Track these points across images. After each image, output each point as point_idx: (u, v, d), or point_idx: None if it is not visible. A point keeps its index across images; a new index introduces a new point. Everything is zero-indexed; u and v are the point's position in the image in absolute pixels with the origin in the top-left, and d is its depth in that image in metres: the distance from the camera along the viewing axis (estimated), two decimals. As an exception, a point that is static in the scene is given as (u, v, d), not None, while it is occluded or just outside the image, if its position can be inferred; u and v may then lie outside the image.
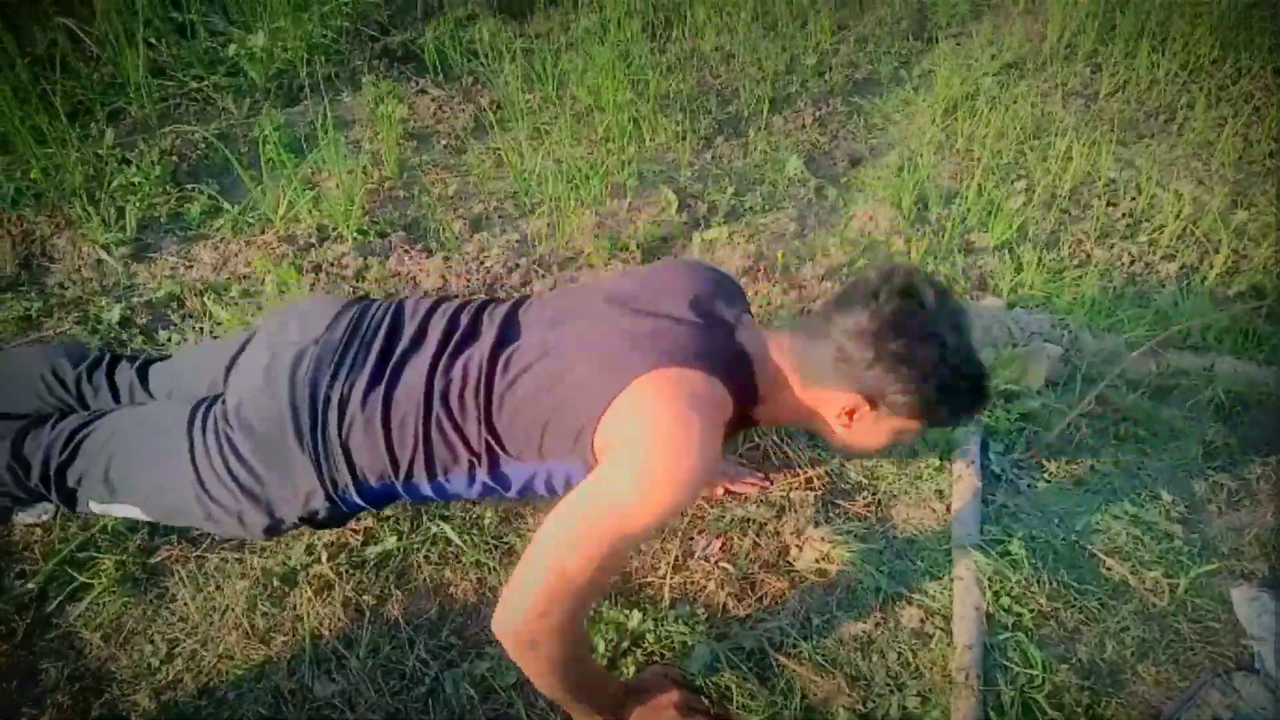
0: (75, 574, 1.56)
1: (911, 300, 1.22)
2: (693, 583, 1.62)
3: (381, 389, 1.29)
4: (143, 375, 1.53)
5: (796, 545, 1.69)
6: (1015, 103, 3.03)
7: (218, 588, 1.58)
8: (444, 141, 2.80)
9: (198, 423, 1.33)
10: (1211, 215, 2.59)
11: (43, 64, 2.64)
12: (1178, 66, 3.28)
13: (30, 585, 1.55)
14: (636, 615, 1.54)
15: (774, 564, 1.66)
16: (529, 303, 1.42)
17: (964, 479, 1.77)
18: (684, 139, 2.88)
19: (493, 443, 1.28)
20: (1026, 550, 1.64)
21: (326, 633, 1.52)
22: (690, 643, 1.51)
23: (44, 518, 1.63)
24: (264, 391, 1.30)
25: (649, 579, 1.62)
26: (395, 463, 1.28)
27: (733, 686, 1.46)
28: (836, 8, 3.71)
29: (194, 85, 2.81)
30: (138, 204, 2.35)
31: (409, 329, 1.37)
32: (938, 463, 1.83)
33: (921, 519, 1.75)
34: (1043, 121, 3.03)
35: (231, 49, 2.89)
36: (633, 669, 1.49)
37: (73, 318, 2.05)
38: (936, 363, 1.22)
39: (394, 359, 1.32)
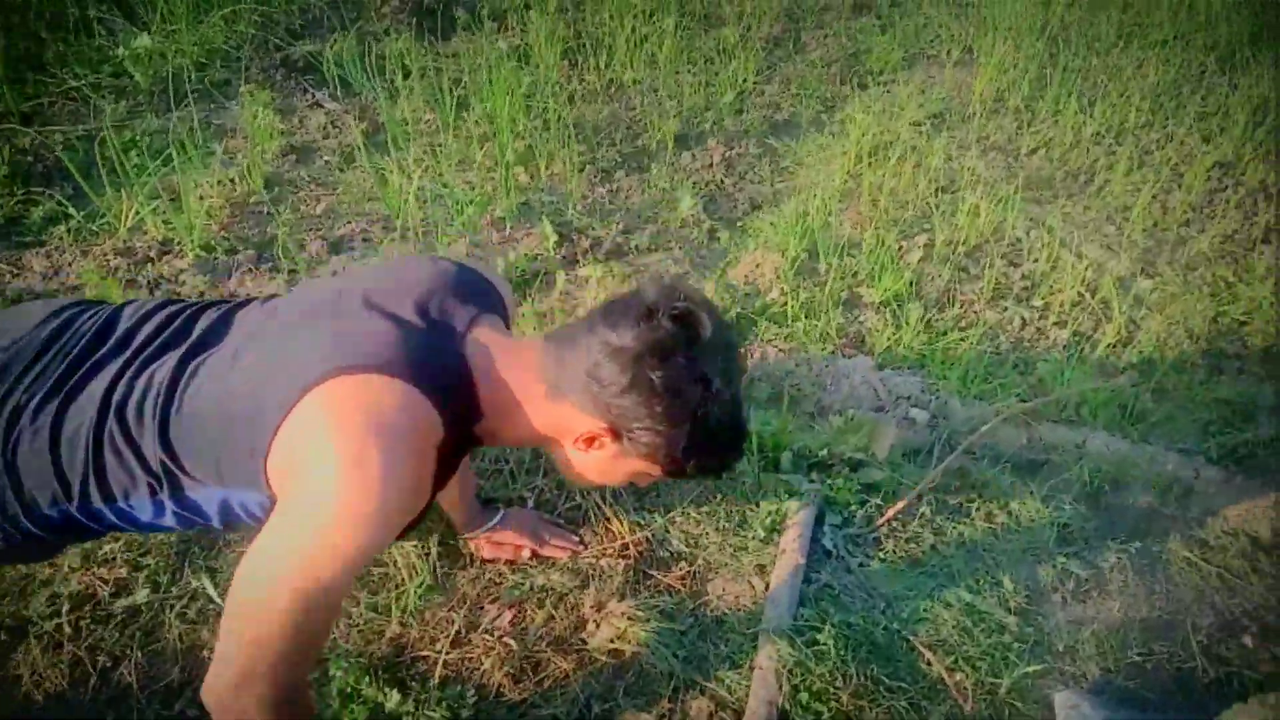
0: None
1: (687, 329, 1.09)
2: (471, 659, 1.48)
3: (58, 400, 1.13)
4: None
5: (595, 620, 1.55)
6: (931, 154, 2.94)
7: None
8: (326, 158, 2.68)
9: None
10: (1110, 281, 2.49)
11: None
12: (1104, 128, 3.20)
13: None
14: (396, 696, 1.40)
15: (566, 640, 1.52)
16: (255, 302, 1.27)
17: (787, 554, 1.64)
18: (581, 171, 2.77)
19: (169, 464, 1.11)
20: (839, 639, 1.51)
21: (41, 697, 1.37)
22: (449, 729, 1.37)
23: None
24: None
25: (424, 652, 1.48)
26: (66, 484, 1.11)
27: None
28: (771, 47, 3.63)
29: (72, 84, 2.69)
30: (-28, 205, 2.22)
31: (117, 334, 1.21)
32: (764, 534, 1.70)
33: (738, 596, 1.62)
34: (956, 175, 2.94)
35: (121, 50, 2.77)
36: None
37: None
38: (695, 407, 1.09)
39: (84, 367, 1.16)
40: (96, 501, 1.13)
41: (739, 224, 2.69)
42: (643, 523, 1.71)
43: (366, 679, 1.41)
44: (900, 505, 1.75)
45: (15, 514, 1.12)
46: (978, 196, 2.75)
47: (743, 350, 1.25)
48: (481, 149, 2.70)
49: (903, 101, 3.28)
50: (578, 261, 2.43)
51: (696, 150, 3.00)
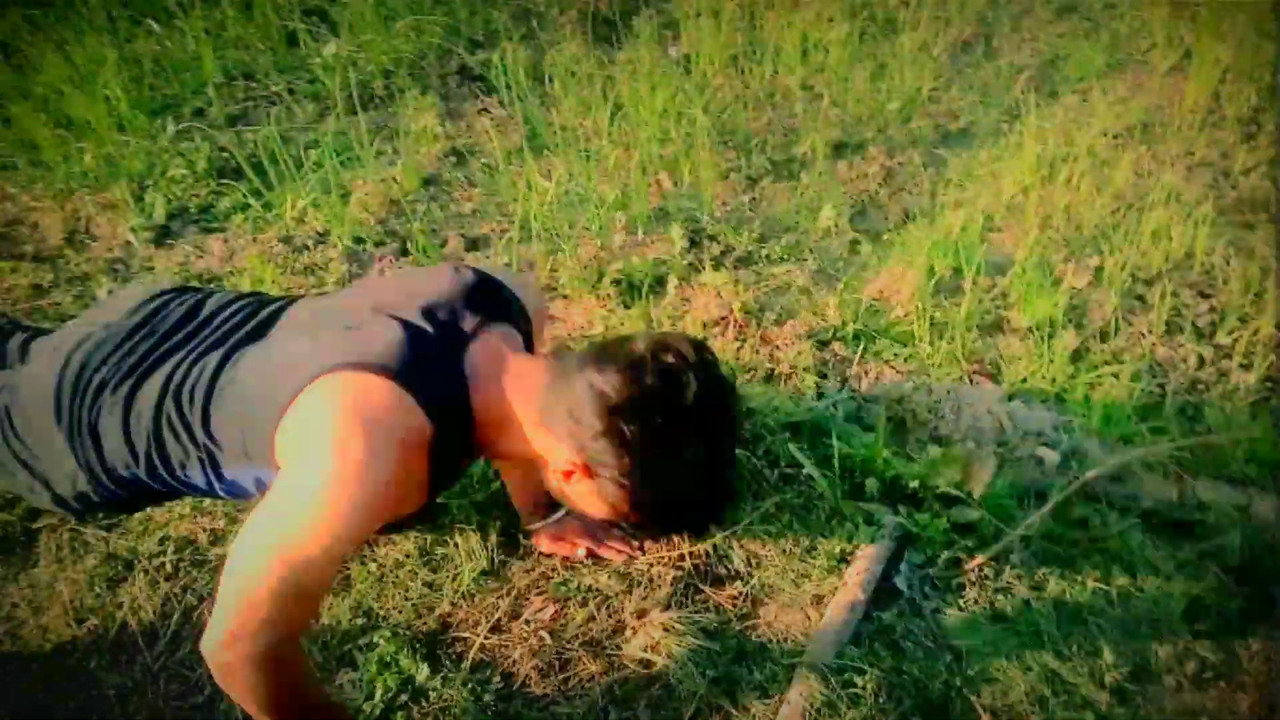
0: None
1: (670, 390, 1.08)
2: (506, 647, 1.50)
3: (133, 380, 1.27)
4: (25, 347, 1.61)
5: (634, 627, 1.52)
6: (1118, 169, 2.64)
7: (75, 561, 1.63)
8: (484, 160, 2.81)
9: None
10: (1319, 322, 2.12)
11: (137, 62, 2.92)
12: (1349, 142, 2.74)
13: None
14: (426, 670, 1.44)
15: (600, 643, 1.50)
16: (305, 299, 1.37)
17: (848, 587, 1.53)
18: (725, 177, 2.74)
19: (210, 444, 1.22)
20: (884, 686, 1.38)
21: (134, 625, 1.53)
22: (467, 710, 1.39)
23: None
24: (45, 369, 1.33)
25: (465, 634, 1.52)
26: (135, 453, 1.26)
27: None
28: (957, 52, 3.42)
29: (274, 89, 3.00)
30: (176, 194, 2.52)
31: (195, 321, 1.35)
32: (831, 564, 1.60)
33: (789, 625, 1.52)
34: (1145, 192, 2.62)
35: (317, 59, 3.06)
36: (399, 724, 1.39)
37: (73, 293, 2.22)
38: (664, 470, 1.09)
39: (160, 351, 1.30)
40: (160, 470, 1.26)
41: (884, 237, 2.55)
42: (708, 533, 1.66)
43: (406, 651, 1.47)
44: (995, 549, 1.58)
45: (99, 474, 1.29)
46: (1167, 215, 2.44)
47: (738, 417, 1.23)
48: (629, 154, 2.73)
49: (1097, 111, 2.98)
50: (701, 269, 2.40)
51: (854, 159, 2.88)
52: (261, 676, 1.08)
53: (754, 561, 1.63)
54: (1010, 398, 1.97)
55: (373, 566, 1.61)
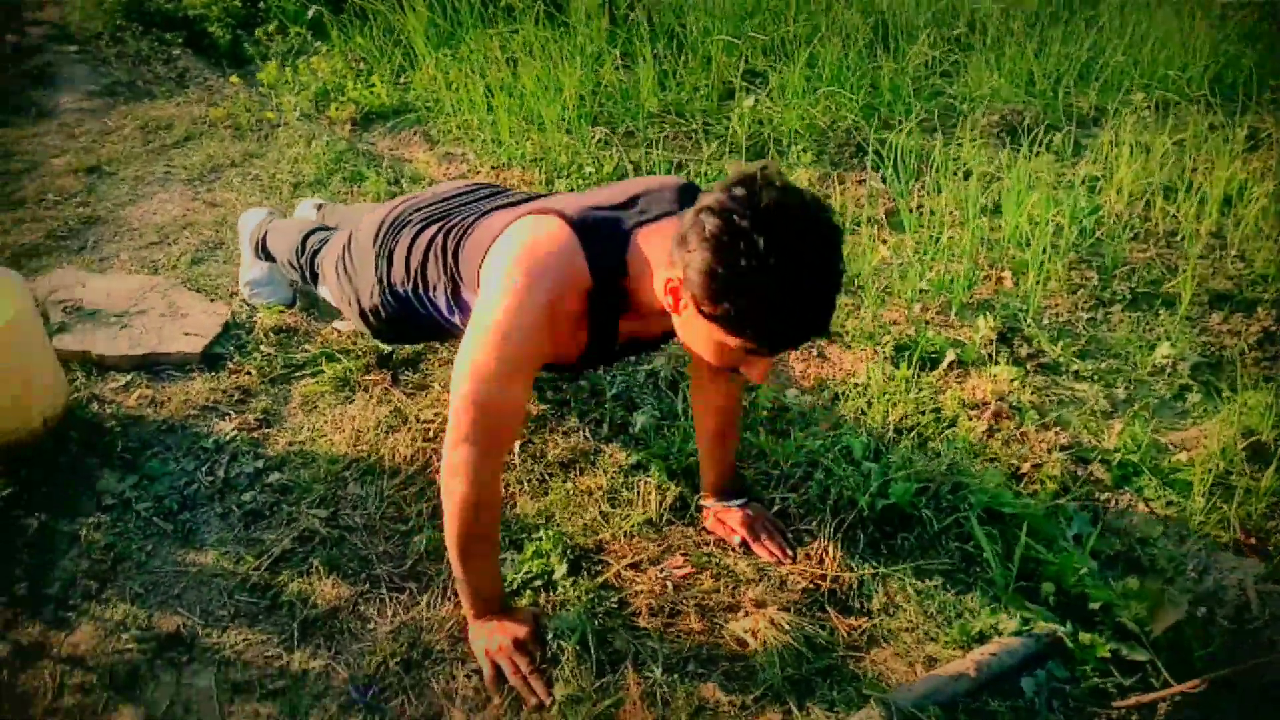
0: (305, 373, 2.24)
1: (750, 194, 1.14)
2: (634, 582, 1.68)
3: (425, 223, 1.68)
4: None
5: (748, 610, 1.61)
6: None
7: (376, 408, 2.11)
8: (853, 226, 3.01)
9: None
10: None
11: (598, 85, 3.59)
12: None
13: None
14: (565, 570, 1.67)
15: (711, 610, 1.61)
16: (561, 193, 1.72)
17: (962, 660, 1.46)
18: (1074, 292, 2.64)
19: (456, 272, 1.56)
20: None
21: (388, 460, 1.96)
22: (576, 611, 1.59)
23: (348, 327, 2.37)
24: (382, 211, 1.82)
25: (608, 559, 1.72)
26: (408, 271, 1.66)
27: (566, 664, 1.51)
28: None
29: (692, 125, 3.50)
30: (578, 188, 3.09)
31: (481, 197, 1.74)
32: (963, 639, 1.53)
33: (891, 671, 1.50)
34: None
35: (736, 108, 3.51)
36: (525, 602, 1.64)
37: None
38: (739, 266, 1.12)
39: (449, 209, 1.70)
40: (420, 289, 1.66)
41: (1224, 394, 2.27)
42: (853, 566, 1.69)
43: (558, 551, 1.71)
44: (1148, 698, 1.40)
45: (385, 288, 1.73)
46: None
47: (832, 241, 1.16)
48: (985, 252, 2.75)
49: None
50: (997, 363, 2.35)
51: (1235, 315, 2.59)
52: (468, 488, 1.37)
53: (890, 608, 1.62)
54: (1272, 576, 1.69)
55: (570, 487, 1.89)
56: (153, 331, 2.26)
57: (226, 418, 2.06)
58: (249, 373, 2.19)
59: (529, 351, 1.35)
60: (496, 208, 1.64)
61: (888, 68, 3.78)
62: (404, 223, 1.74)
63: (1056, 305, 2.60)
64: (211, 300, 2.43)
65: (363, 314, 1.83)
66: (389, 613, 1.63)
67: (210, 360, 2.23)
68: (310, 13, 4.22)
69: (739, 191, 1.15)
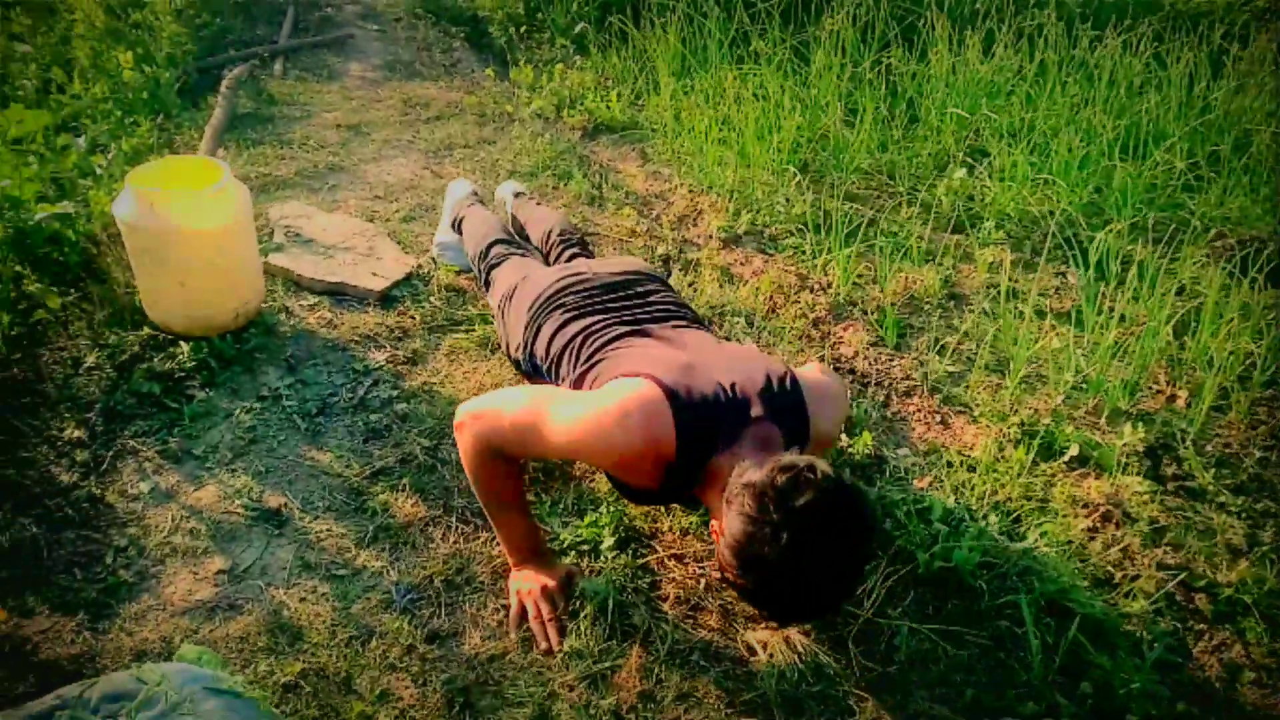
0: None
1: (791, 489, 1.26)
2: (672, 570, 1.74)
3: (575, 314, 1.86)
4: (562, 255, 2.40)
5: (769, 627, 1.62)
6: None
7: (509, 366, 2.31)
8: (972, 306, 2.91)
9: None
10: None
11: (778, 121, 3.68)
12: None
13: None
14: (611, 543, 1.77)
15: (733, 615, 1.65)
16: (696, 330, 1.83)
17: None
18: (1250, 413, 2.41)
19: (580, 381, 1.71)
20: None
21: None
22: (608, 579, 1.68)
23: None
24: (551, 278, 2.00)
25: (654, 546, 1.80)
26: (547, 353, 1.86)
27: (582, 623, 1.60)
28: None
29: (897, 191, 3.51)
30: (754, 212, 3.19)
31: (633, 300, 1.91)
32: (974, 711, 1.47)
33: (885, 717, 1.47)
34: None
35: (944, 179, 3.48)
36: (568, 560, 1.75)
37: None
38: (756, 552, 1.26)
39: (596, 308, 1.87)
40: (552, 372, 1.85)
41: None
42: (890, 615, 1.65)
43: (610, 527, 1.81)
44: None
45: (527, 353, 1.96)
46: None
47: (854, 550, 1.30)
48: (1164, 370, 2.58)
49: None
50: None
51: None
52: (472, 454, 1.59)
53: (913, 663, 1.58)
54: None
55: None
56: (349, 266, 2.60)
57: (382, 349, 2.34)
58: (413, 317, 2.47)
59: (575, 458, 1.71)
60: (631, 333, 1.76)
61: (1124, 170, 3.58)
62: (557, 305, 1.92)
63: (1229, 436, 2.38)
64: (406, 252, 2.76)
65: (507, 350, 2.12)
66: (450, 539, 1.80)
67: (387, 300, 2.53)
68: (577, 29, 4.61)
69: (781, 481, 1.26)
